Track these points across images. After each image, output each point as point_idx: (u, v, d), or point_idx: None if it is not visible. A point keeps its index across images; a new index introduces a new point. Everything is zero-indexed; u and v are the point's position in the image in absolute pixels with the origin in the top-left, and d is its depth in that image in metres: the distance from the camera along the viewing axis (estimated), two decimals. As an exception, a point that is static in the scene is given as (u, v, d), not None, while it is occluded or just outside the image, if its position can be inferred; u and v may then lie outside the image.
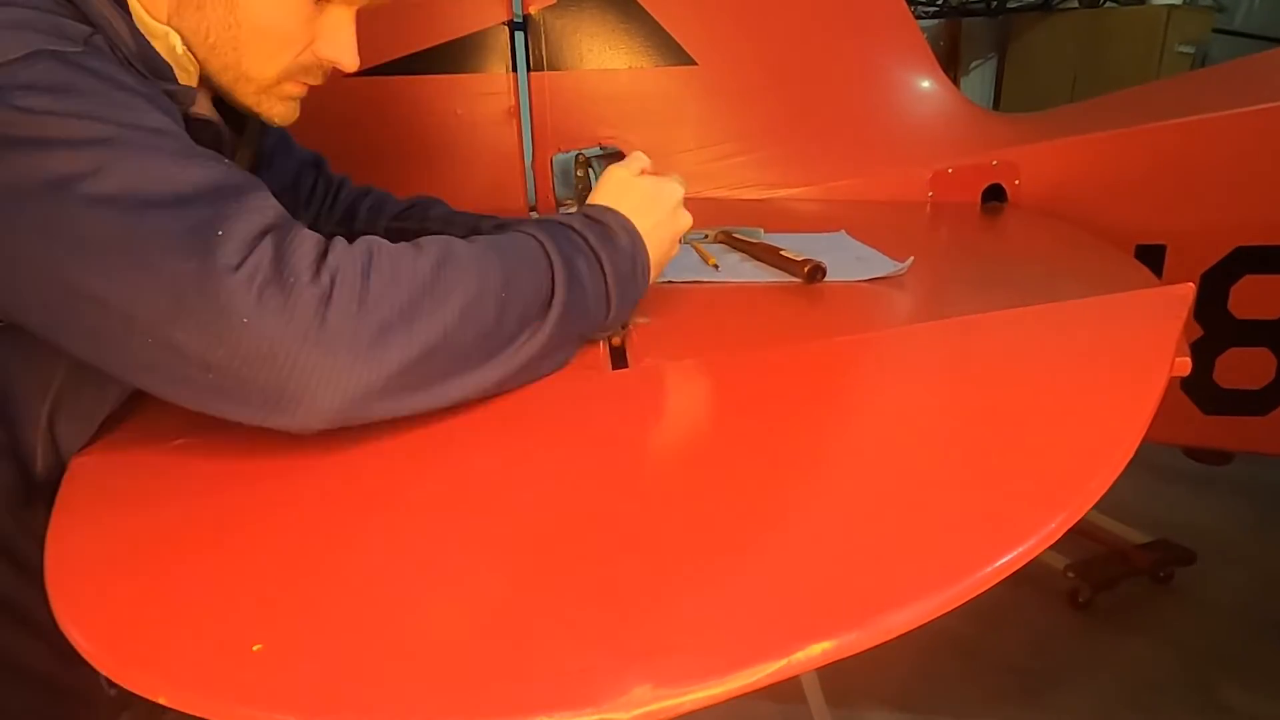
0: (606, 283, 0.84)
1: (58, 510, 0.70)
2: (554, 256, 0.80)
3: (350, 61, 0.84)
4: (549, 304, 0.79)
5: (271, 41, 0.80)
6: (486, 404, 0.80)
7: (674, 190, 0.94)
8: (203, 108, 0.83)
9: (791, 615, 0.51)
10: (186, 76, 0.80)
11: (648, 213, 0.90)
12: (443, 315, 0.70)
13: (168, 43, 0.78)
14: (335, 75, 0.89)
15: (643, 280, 0.89)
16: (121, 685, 0.51)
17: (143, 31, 0.76)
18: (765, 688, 0.48)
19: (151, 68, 0.76)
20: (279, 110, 0.86)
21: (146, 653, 0.54)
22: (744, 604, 0.53)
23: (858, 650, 0.49)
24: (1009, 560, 0.54)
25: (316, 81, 0.87)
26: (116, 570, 0.62)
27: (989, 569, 0.53)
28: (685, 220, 0.95)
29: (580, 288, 0.81)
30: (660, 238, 0.91)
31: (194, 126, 0.78)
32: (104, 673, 0.53)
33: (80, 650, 0.54)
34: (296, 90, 0.86)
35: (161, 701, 0.50)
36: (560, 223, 0.85)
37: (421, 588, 0.59)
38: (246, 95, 0.83)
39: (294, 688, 0.50)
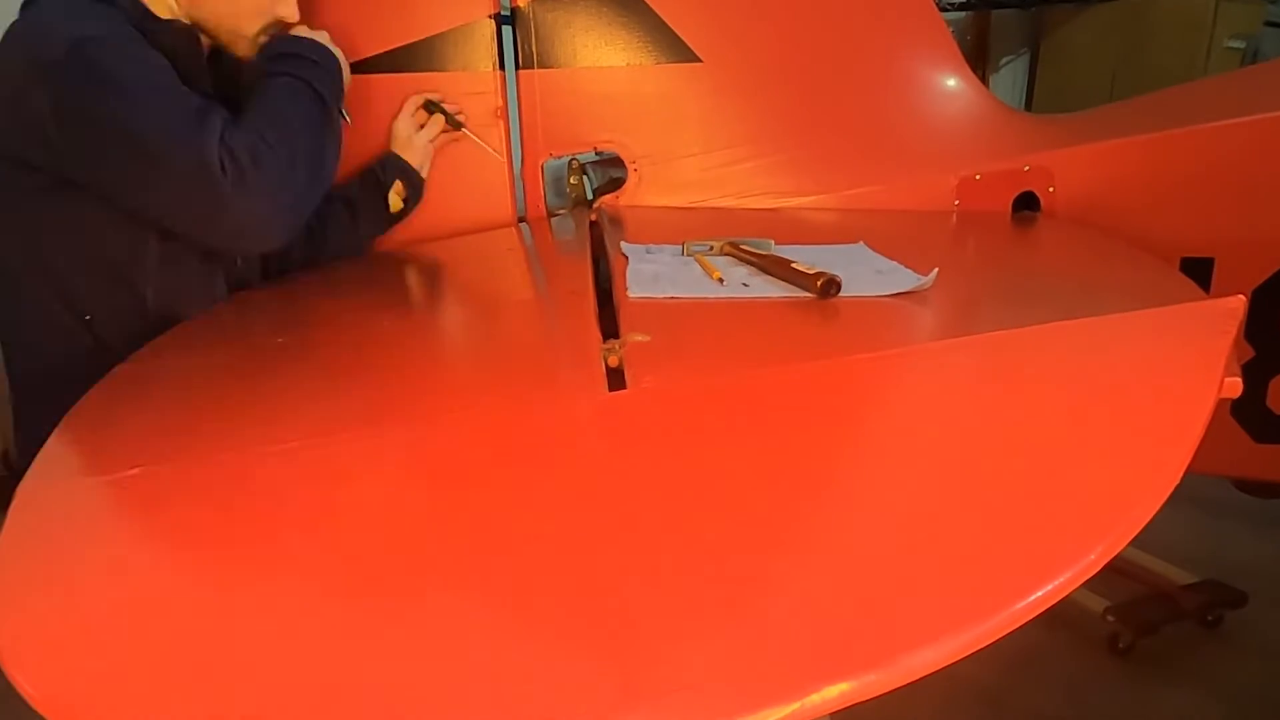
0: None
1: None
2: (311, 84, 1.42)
3: (291, 13, 1.48)
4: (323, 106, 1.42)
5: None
6: (483, 428, 0.85)
7: None
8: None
9: (806, 654, 0.52)
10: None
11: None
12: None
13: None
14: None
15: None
16: None
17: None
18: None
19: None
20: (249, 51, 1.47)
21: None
22: (755, 641, 0.54)
23: (877, 693, 0.50)
24: (1043, 595, 0.54)
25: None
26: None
27: (1021, 604, 0.53)
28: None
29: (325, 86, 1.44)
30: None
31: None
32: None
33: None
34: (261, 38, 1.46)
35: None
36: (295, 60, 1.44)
37: (412, 622, 0.59)
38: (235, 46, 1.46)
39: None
